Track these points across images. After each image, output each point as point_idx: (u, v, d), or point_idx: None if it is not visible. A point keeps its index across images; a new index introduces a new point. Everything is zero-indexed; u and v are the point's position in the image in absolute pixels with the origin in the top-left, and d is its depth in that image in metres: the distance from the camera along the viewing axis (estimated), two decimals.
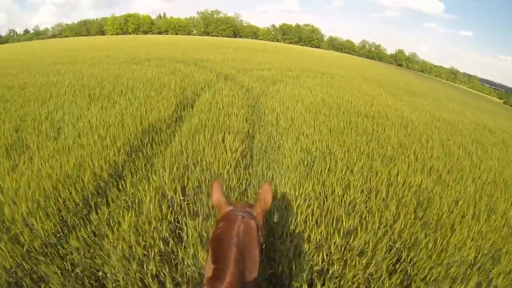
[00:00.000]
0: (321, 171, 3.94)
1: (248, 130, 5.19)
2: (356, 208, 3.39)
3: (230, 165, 3.65)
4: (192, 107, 6.35)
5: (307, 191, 3.41)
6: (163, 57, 15.24)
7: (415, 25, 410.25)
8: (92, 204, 3.02)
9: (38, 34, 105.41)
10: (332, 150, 4.65)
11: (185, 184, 3.29)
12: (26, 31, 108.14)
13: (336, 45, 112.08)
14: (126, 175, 3.55)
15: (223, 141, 4.31)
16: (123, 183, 3.39)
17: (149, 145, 4.33)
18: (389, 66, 74.13)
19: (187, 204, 3.05)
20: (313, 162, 4.23)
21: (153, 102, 6.15)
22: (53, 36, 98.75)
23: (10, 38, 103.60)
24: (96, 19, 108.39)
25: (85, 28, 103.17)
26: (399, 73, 40.99)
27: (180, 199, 3.11)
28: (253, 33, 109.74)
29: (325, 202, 3.39)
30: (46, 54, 22.36)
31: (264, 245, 1.52)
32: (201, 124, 4.91)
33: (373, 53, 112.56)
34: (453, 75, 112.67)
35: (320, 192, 3.52)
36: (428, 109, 11.07)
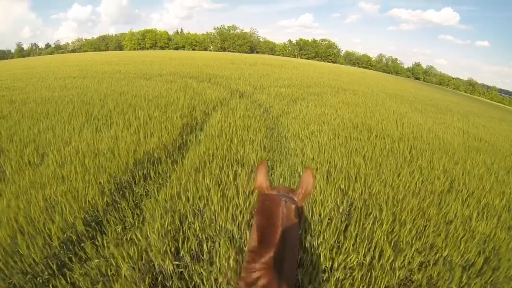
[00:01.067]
0: (363, 224, 3.00)
1: (266, 162, 4.29)
2: (414, 279, 2.49)
3: (243, 215, 2.75)
4: (201, 130, 5.55)
5: (349, 259, 2.48)
6: (176, 72, 14.72)
7: (431, 37, 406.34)
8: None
9: (59, 48, 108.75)
10: (373, 190, 3.72)
11: (180, 245, 2.41)
12: (48, 45, 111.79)
13: (353, 60, 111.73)
14: (105, 227, 2.71)
15: (235, 178, 3.43)
16: (99, 239, 2.55)
17: (142, 180, 3.50)
18: (407, 80, 72.99)
19: (180, 276, 2.17)
20: (351, 208, 3.30)
21: (155, 124, 5.37)
22: (73, 51, 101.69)
23: (32, 51, 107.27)
24: (115, 34, 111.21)
25: (104, 43, 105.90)
26: (419, 87, 39.87)
27: (171, 271, 2.23)
28: (270, 48, 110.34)
29: (372, 272, 2.47)
30: (60, 68, 22.39)
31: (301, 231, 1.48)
32: (209, 154, 4.05)
33: (390, 67, 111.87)
34: (471, 86, 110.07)
35: (364, 256, 2.59)
36: (459, 126, 10.05)
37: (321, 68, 37.92)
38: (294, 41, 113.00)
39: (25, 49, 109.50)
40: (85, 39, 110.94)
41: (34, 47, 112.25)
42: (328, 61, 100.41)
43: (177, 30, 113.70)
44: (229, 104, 7.30)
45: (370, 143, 5.64)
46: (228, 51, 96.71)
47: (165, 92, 8.65)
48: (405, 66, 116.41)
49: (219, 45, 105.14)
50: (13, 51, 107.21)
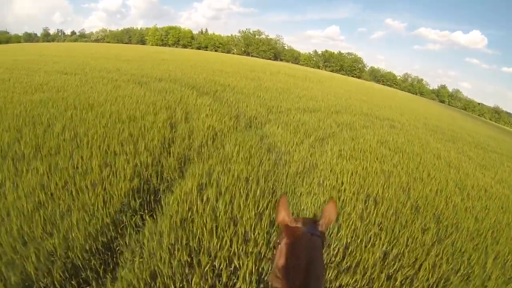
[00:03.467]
0: None
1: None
2: None
3: None
4: (159, 202, 3.22)
5: None
6: (178, 79, 12.51)
7: (457, 59, 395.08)
8: None
9: (83, 37, 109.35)
10: None
11: None
12: (73, 33, 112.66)
13: (378, 77, 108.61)
14: None
15: None
16: None
17: None
18: (434, 103, 69.75)
19: None
20: None
21: (79, 191, 3.06)
22: (96, 40, 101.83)
23: (57, 37, 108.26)
24: (140, 28, 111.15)
25: (127, 36, 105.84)
26: (451, 115, 36.97)
27: None
28: (294, 57, 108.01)
29: None
30: (60, 59, 20.66)
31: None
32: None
33: (415, 87, 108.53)
34: (497, 114, 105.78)
35: None
36: None
37: (348, 84, 35.33)
38: (319, 52, 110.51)
39: (51, 34, 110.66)
40: (109, 30, 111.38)
41: (60, 33, 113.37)
42: (352, 76, 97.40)
43: (201, 30, 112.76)
44: (227, 143, 4.91)
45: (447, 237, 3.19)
46: (252, 56, 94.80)
47: (145, 109, 6.40)
48: (430, 88, 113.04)
49: (242, 49, 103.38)
50: (39, 34, 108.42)
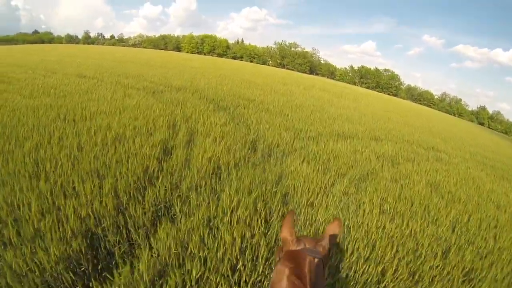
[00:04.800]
0: None
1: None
2: None
3: None
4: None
5: None
6: (200, 88, 11.61)
7: (496, 78, 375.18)
8: None
9: (121, 41, 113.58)
10: None
11: None
12: (112, 37, 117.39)
13: (415, 95, 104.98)
14: None
15: None
16: None
17: None
18: (474, 126, 65.92)
19: None
20: None
21: None
22: (133, 45, 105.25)
23: (97, 40, 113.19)
24: (177, 36, 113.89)
25: (163, 42, 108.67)
26: (494, 140, 34.30)
27: None
28: (330, 72, 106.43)
29: None
30: (86, 61, 20.51)
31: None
32: None
33: (452, 108, 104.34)
34: None
35: None
36: None
37: (385, 103, 33.43)
38: (355, 68, 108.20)
39: (91, 37, 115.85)
40: (146, 35, 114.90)
41: (99, 37, 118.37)
42: (388, 93, 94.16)
43: (237, 40, 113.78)
44: (227, 185, 3.72)
45: None
46: (287, 68, 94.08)
47: (142, 126, 5.38)
48: (469, 109, 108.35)
49: (278, 61, 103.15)
50: (80, 37, 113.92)
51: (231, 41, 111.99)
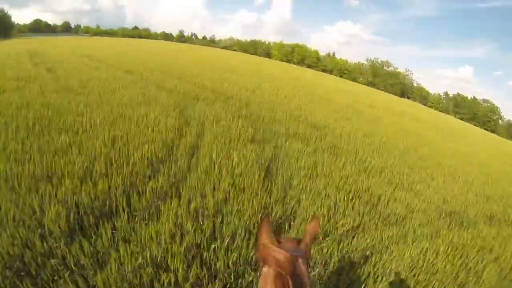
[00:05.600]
0: None
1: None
2: None
3: None
4: None
5: None
6: (253, 101, 9.32)
7: None
8: None
9: (212, 42, 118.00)
10: None
11: None
12: (204, 38, 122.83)
13: None
14: None
15: None
16: None
17: None
18: None
19: None
20: None
21: None
22: (224, 48, 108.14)
23: (189, 39, 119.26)
24: (268, 42, 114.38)
25: (253, 48, 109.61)
26: None
27: None
28: (422, 96, 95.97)
29: None
30: (149, 56, 19.64)
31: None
32: None
33: None
34: None
35: None
36: None
37: (487, 144, 26.78)
38: (451, 95, 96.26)
39: (185, 36, 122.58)
40: (236, 39, 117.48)
41: (193, 37, 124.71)
42: (485, 128, 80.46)
43: (329, 53, 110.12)
44: None
45: None
46: (377, 88, 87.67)
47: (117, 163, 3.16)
48: None
49: (369, 79, 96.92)
50: (174, 35, 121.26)
51: (322, 54, 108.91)
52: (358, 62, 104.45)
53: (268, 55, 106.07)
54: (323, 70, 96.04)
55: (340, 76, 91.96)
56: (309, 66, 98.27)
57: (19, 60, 13.24)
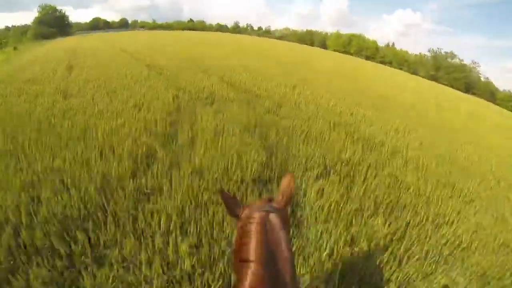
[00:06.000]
0: None
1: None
2: None
3: None
4: None
5: None
6: (284, 102, 7.72)
7: None
8: None
9: (268, 33, 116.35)
10: None
11: None
12: (259, 28, 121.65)
13: None
14: None
15: None
16: None
17: None
18: None
19: None
20: None
21: None
22: (279, 38, 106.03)
23: (243, 30, 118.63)
24: (325, 33, 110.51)
25: (309, 38, 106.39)
26: None
27: None
28: (490, 92, 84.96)
29: None
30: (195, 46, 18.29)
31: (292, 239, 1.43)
32: None
33: None
34: None
35: None
36: None
37: None
38: None
39: (240, 27, 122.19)
40: (292, 29, 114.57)
41: (248, 27, 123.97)
42: None
43: (388, 43, 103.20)
44: None
45: None
46: (440, 82, 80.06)
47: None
48: None
49: (431, 72, 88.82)
50: (229, 27, 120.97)
51: (381, 44, 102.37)
52: (419, 53, 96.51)
53: (324, 46, 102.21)
54: (382, 62, 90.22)
55: (400, 69, 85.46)
56: (367, 58, 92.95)
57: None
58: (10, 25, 75.26)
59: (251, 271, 1.08)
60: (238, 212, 1.33)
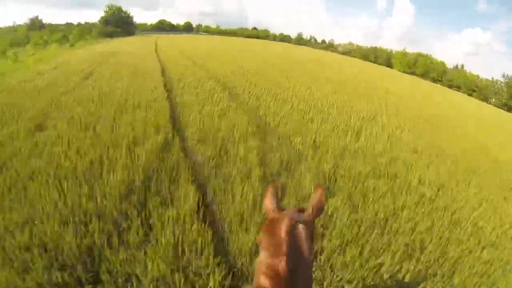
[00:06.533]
0: None
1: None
2: None
3: None
4: None
5: None
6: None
7: None
8: None
9: (331, 46, 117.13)
10: None
11: None
12: (323, 41, 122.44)
13: None
14: None
15: None
16: None
17: None
18: None
19: None
20: None
21: None
22: (343, 53, 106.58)
23: (308, 42, 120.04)
24: (390, 50, 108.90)
25: (374, 55, 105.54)
26: None
27: None
28: None
29: None
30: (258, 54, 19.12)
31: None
32: None
33: None
34: None
35: None
36: None
37: None
38: None
39: (303, 38, 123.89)
40: (356, 45, 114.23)
41: (312, 40, 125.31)
42: None
43: (457, 65, 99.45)
44: None
45: None
46: None
47: None
48: None
49: (503, 100, 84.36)
50: (292, 37, 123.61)
51: (449, 66, 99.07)
52: (492, 78, 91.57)
53: (389, 63, 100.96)
54: (449, 86, 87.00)
55: (469, 95, 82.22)
56: (433, 80, 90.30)
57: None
58: (79, 22, 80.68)
59: (275, 273, 1.11)
60: (272, 209, 1.38)
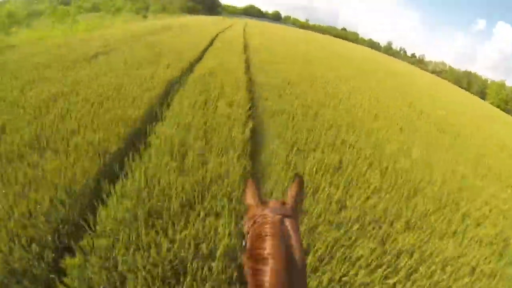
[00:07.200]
0: None
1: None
2: None
3: None
4: None
5: None
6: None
7: None
8: None
9: (420, 62, 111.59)
10: None
11: None
12: (413, 55, 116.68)
13: None
14: None
15: None
16: None
17: None
18: None
19: None
20: None
21: None
22: (433, 72, 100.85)
23: (396, 53, 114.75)
24: (485, 79, 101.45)
25: (466, 80, 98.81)
26: None
27: None
28: None
29: None
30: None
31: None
32: None
33: None
34: None
35: None
36: None
37: None
38: None
39: (392, 48, 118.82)
40: (449, 66, 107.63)
41: (401, 51, 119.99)
42: None
43: None
44: None
45: None
46: None
47: None
48: None
49: None
50: (381, 45, 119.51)
51: None
52: None
53: (482, 93, 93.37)
54: None
55: None
56: None
57: None
58: None
59: (269, 268, 1.02)
60: (254, 203, 1.29)
